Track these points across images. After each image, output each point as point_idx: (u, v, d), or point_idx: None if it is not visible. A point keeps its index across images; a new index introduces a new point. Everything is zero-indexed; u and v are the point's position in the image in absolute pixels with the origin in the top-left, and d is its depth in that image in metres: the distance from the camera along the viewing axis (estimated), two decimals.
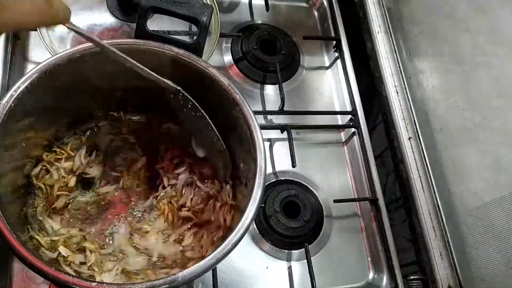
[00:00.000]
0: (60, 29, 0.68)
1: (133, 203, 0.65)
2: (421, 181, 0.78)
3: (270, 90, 0.86)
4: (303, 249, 0.71)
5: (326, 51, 0.94)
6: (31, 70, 0.52)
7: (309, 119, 0.85)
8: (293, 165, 0.76)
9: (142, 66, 0.53)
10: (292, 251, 0.72)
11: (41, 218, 0.60)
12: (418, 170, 0.78)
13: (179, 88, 0.58)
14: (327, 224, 0.76)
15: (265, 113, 0.82)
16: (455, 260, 0.72)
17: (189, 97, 0.59)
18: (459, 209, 0.71)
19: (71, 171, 0.64)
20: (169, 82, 0.57)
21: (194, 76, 0.59)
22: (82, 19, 0.71)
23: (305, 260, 0.70)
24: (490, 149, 0.65)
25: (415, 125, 0.81)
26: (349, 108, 0.87)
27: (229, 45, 0.88)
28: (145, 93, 0.65)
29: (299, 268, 0.72)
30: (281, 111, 0.81)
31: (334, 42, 0.92)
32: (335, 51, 0.92)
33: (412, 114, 0.82)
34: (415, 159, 0.79)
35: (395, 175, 0.85)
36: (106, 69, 0.58)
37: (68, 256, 0.56)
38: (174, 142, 0.69)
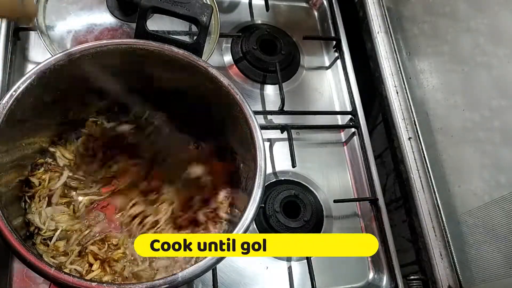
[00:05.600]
0: (60, 29, 0.68)
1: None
2: (421, 181, 0.77)
3: (270, 90, 0.86)
4: None
5: (326, 51, 0.94)
6: (31, 70, 0.52)
7: (309, 119, 0.85)
8: (293, 165, 0.76)
9: None
10: None
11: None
12: (418, 170, 0.78)
13: None
14: (327, 224, 0.76)
15: (265, 113, 0.82)
16: (455, 260, 0.72)
17: None
18: (459, 209, 0.71)
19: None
20: None
21: (194, 76, 0.59)
22: (82, 19, 0.71)
23: (305, 260, 0.70)
24: (490, 149, 0.65)
25: (415, 125, 0.81)
26: (349, 108, 0.87)
27: (229, 45, 0.88)
28: (146, 93, 0.65)
29: (299, 268, 0.72)
30: (281, 111, 0.81)
31: (334, 42, 0.92)
32: (335, 51, 0.92)
33: (412, 114, 0.82)
34: (415, 159, 0.79)
35: (395, 175, 0.85)
36: (106, 69, 0.58)
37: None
38: None
